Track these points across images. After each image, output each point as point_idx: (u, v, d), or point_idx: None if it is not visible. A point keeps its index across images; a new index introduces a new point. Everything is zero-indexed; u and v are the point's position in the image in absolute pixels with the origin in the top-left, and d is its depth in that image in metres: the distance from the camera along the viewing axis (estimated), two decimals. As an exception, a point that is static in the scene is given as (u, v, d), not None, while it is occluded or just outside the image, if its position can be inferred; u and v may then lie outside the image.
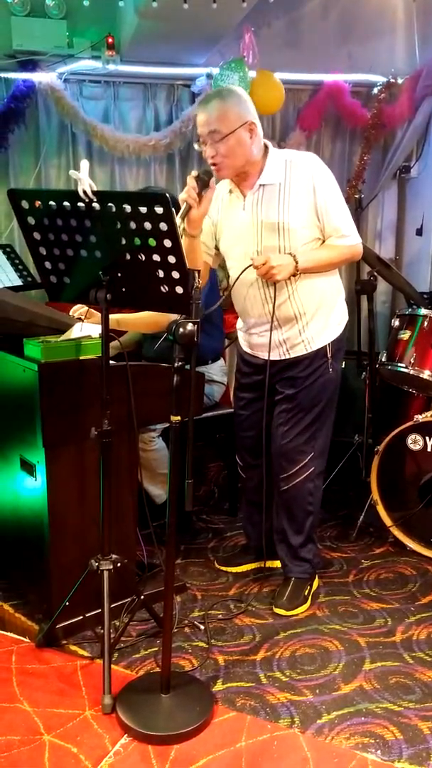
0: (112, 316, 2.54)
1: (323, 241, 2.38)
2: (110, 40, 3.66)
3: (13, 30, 3.55)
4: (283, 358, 2.46)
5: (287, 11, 3.86)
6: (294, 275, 2.30)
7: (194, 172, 2.19)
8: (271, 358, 2.44)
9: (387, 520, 3.01)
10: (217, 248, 2.51)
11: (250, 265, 2.28)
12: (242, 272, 2.31)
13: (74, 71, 3.73)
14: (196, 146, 2.37)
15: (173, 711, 1.97)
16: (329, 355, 2.46)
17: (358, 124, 4.29)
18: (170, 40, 3.52)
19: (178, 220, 2.15)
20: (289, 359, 2.46)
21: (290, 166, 2.32)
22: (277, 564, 2.71)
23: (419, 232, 4.53)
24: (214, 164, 2.26)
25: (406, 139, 4.28)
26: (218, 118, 2.23)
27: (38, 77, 3.65)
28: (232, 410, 2.86)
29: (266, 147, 2.36)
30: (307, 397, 2.46)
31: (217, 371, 3.14)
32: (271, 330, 2.40)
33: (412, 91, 4.16)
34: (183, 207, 2.17)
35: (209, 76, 3.85)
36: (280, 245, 2.32)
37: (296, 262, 2.27)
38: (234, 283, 2.39)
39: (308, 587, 2.61)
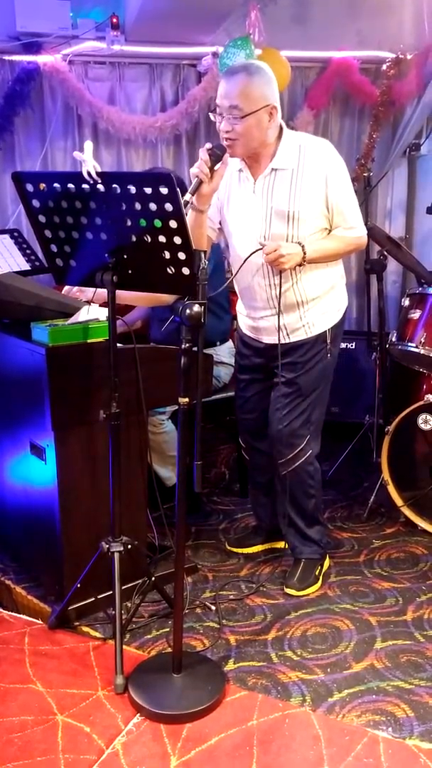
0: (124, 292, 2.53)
1: (329, 231, 2.36)
2: (115, 20, 3.61)
3: (17, 11, 3.50)
4: (283, 342, 2.43)
5: (294, -13, 3.80)
6: (300, 265, 2.28)
7: (208, 145, 2.15)
8: (272, 342, 2.43)
9: (398, 500, 3.01)
10: (220, 224, 2.48)
11: (257, 249, 2.26)
12: (248, 256, 2.29)
13: (79, 53, 3.69)
14: (211, 116, 2.30)
15: (185, 690, 1.99)
16: (329, 341, 2.45)
17: (366, 102, 4.22)
18: (175, 19, 3.46)
19: (188, 195, 2.13)
20: (289, 344, 2.44)
21: (304, 152, 2.27)
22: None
23: (430, 211, 4.47)
24: (227, 139, 2.21)
25: (415, 116, 4.21)
26: (241, 95, 2.16)
27: (42, 59, 3.61)
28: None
29: (281, 129, 2.31)
30: (305, 382, 2.45)
31: (225, 353, 3.13)
32: (279, 317, 2.37)
33: (422, 66, 4.08)
34: (194, 181, 2.14)
35: (215, 54, 3.80)
36: (288, 233, 2.29)
37: (304, 252, 2.25)
38: (240, 268, 2.36)
39: (319, 567, 2.61)
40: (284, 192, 2.28)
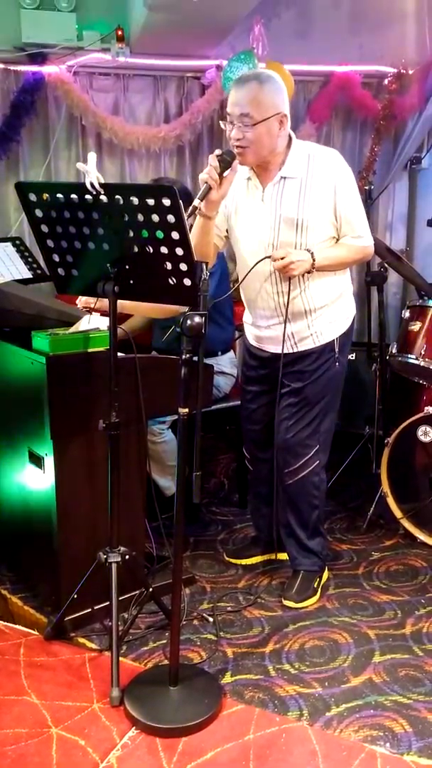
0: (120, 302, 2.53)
1: (337, 240, 2.37)
2: (120, 32, 3.65)
3: (22, 23, 3.55)
4: (290, 351, 2.44)
5: (297, 2, 3.83)
6: (309, 272, 2.28)
7: (218, 152, 2.15)
8: (279, 351, 2.43)
9: (397, 512, 3.00)
10: (227, 231, 2.48)
11: (266, 257, 2.26)
12: (256, 263, 2.30)
13: (84, 64, 3.72)
14: (221, 124, 2.31)
15: (181, 703, 1.97)
16: (336, 350, 2.45)
17: (368, 115, 4.26)
18: (180, 32, 3.50)
19: (197, 201, 2.13)
20: (297, 353, 2.44)
21: (313, 161, 2.29)
22: (287, 556, 2.70)
23: (430, 223, 4.49)
24: (238, 147, 2.22)
25: (417, 129, 4.24)
26: (252, 103, 2.18)
27: (47, 70, 3.64)
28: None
29: (290, 138, 2.32)
30: (313, 391, 2.45)
31: (226, 363, 3.13)
32: (285, 324, 2.37)
33: (423, 81, 4.12)
34: (203, 187, 2.15)
35: (219, 68, 3.83)
36: (296, 241, 2.30)
37: (313, 260, 2.26)
38: (246, 275, 2.36)
39: (317, 579, 2.60)
40: (293, 200, 2.29)
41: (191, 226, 2.31)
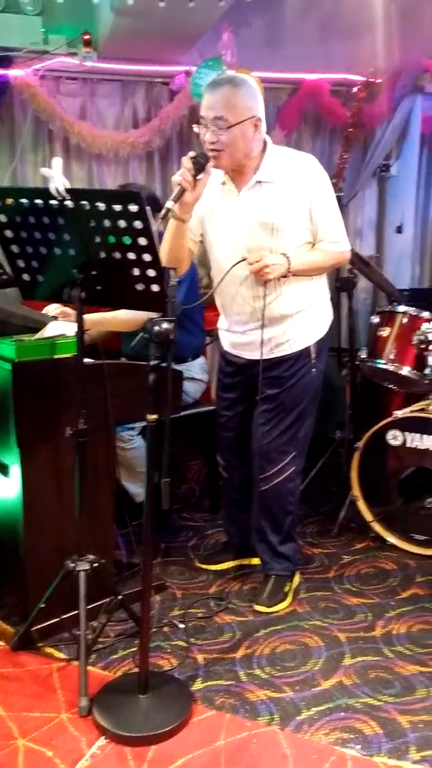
0: (93, 316, 2.53)
1: (313, 245, 2.37)
2: (87, 37, 3.63)
3: (-13, 26, 3.51)
4: (266, 357, 2.43)
5: (266, 10, 3.85)
6: (285, 276, 2.28)
7: (191, 154, 2.14)
8: (255, 357, 2.42)
9: (368, 516, 3.02)
10: (201, 236, 2.47)
11: (241, 260, 2.26)
12: (232, 267, 2.29)
13: (50, 68, 3.69)
14: (195, 128, 2.29)
15: (151, 711, 1.96)
16: (313, 356, 2.45)
17: (338, 123, 4.31)
18: (148, 38, 3.50)
19: (170, 203, 2.12)
20: (273, 359, 2.43)
21: (289, 165, 2.30)
22: (258, 561, 2.70)
23: (399, 230, 4.56)
24: (213, 150, 2.21)
25: (385, 137, 4.31)
26: (226, 106, 2.17)
27: (13, 73, 3.61)
28: (212, 408, 2.86)
29: (265, 143, 2.32)
30: (289, 398, 2.45)
31: (197, 369, 3.12)
32: (262, 329, 2.36)
33: (392, 89, 4.19)
34: (176, 190, 2.13)
35: (188, 73, 3.84)
36: (272, 245, 2.29)
37: (289, 264, 2.26)
38: (222, 280, 2.34)
39: (288, 584, 2.60)
40: (268, 204, 2.29)
41: (164, 231, 2.30)
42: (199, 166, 2.14)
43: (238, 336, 2.49)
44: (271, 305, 2.36)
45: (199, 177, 2.14)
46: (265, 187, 2.30)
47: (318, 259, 2.36)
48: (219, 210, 2.39)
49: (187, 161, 2.13)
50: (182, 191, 2.13)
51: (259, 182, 2.30)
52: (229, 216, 2.36)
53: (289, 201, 2.28)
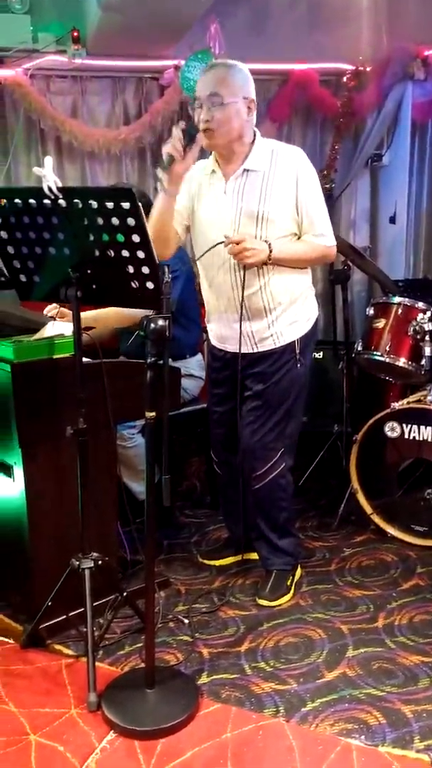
0: (89, 314, 2.54)
1: (298, 238, 2.38)
2: (75, 33, 3.61)
3: (-25, 26, 3.50)
4: (251, 351, 2.43)
5: (252, 0, 3.84)
6: (266, 264, 2.29)
7: (181, 124, 2.16)
8: (239, 350, 2.42)
9: (367, 508, 3.03)
10: (188, 221, 2.47)
11: (223, 241, 2.26)
12: (215, 245, 2.30)
13: (40, 66, 3.68)
14: (190, 110, 2.34)
15: (158, 705, 1.97)
16: (297, 351, 2.45)
17: (328, 113, 4.28)
18: (135, 33, 3.48)
19: (159, 172, 2.13)
20: (258, 353, 2.43)
21: (276, 156, 2.31)
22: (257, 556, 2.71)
23: (392, 220, 4.54)
24: (207, 129, 2.22)
25: (376, 126, 4.29)
26: (222, 83, 2.21)
27: (3, 73, 3.60)
28: (209, 404, 2.86)
29: (255, 134, 2.34)
30: (275, 394, 2.44)
31: (194, 366, 3.13)
32: (240, 320, 2.37)
33: (381, 78, 4.16)
34: (166, 158, 2.14)
35: (177, 68, 3.82)
36: (256, 234, 2.30)
37: (270, 251, 2.26)
38: (203, 255, 2.34)
39: (290, 578, 2.62)
40: (255, 193, 2.30)
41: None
42: (189, 137, 2.15)
43: (222, 328, 2.48)
44: (254, 297, 2.36)
45: (189, 147, 2.15)
46: (252, 176, 2.31)
47: (300, 250, 2.36)
48: (207, 198, 2.40)
49: (177, 131, 2.14)
50: (172, 159, 2.14)
51: (247, 171, 2.31)
52: (215, 204, 2.37)
53: (275, 191, 2.29)
